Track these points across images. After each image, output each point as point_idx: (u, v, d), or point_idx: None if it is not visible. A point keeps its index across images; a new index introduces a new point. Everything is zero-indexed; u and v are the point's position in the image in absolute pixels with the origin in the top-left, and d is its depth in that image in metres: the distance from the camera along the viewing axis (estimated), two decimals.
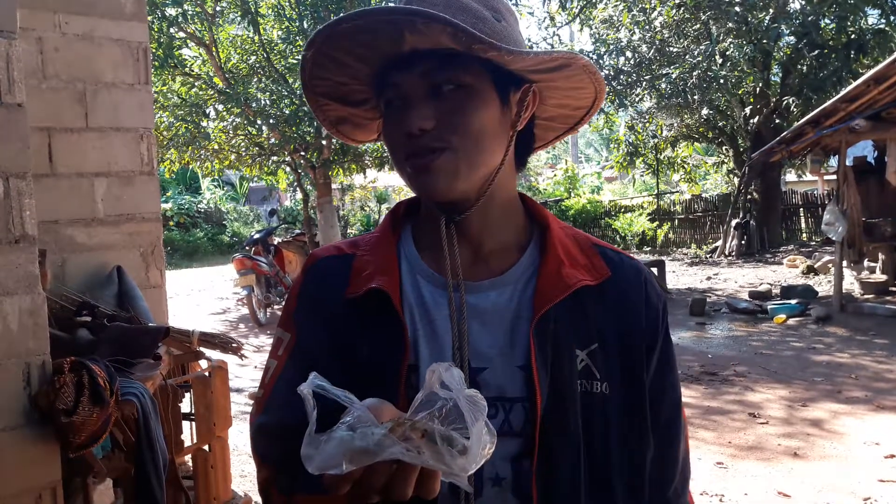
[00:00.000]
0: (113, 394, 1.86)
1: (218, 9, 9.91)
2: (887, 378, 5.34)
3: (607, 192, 22.64)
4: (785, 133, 9.07)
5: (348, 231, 18.18)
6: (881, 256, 8.78)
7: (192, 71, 10.21)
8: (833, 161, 9.83)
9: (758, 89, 12.90)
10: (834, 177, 9.78)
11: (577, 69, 0.84)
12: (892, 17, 11.17)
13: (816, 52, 11.40)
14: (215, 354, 2.98)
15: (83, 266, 2.78)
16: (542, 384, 0.80)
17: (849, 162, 8.18)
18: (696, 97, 11.78)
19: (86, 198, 2.79)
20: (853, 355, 6.07)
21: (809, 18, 11.05)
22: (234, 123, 10.21)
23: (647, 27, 12.12)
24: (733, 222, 13.50)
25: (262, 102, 9.50)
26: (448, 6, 0.79)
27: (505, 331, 0.84)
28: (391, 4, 0.80)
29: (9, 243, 1.74)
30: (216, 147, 10.62)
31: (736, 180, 14.49)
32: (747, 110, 13.43)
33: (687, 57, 11.66)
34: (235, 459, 3.57)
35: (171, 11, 9.05)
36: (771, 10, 11.24)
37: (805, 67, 12.09)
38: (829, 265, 9.57)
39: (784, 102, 12.38)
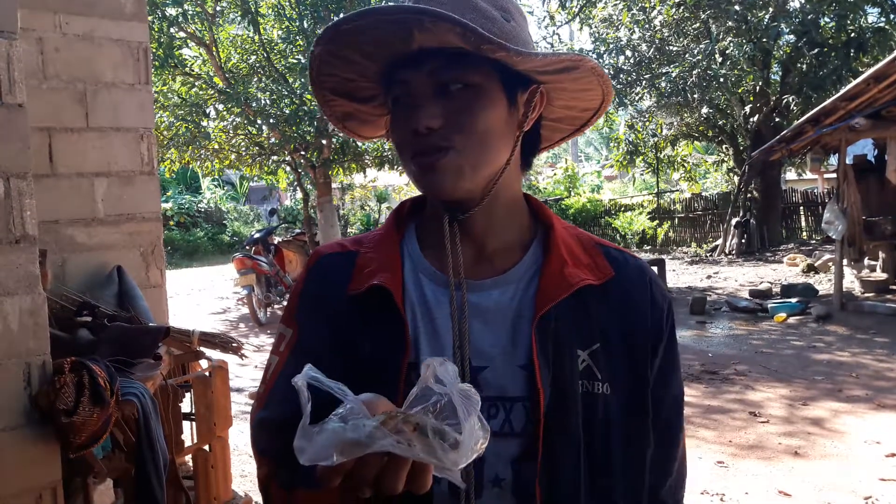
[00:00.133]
0: (113, 394, 1.86)
1: (218, 9, 9.90)
2: (888, 377, 5.34)
3: (607, 191, 22.65)
4: (785, 131, 9.06)
5: (348, 230, 18.18)
6: (881, 255, 8.78)
7: (193, 71, 10.20)
8: (833, 159, 9.84)
9: (758, 88, 12.89)
10: (834, 175, 9.78)
11: (585, 71, 0.84)
12: (891, 16, 11.17)
13: (816, 50, 11.40)
14: (216, 354, 2.98)
15: (83, 266, 2.78)
16: (544, 383, 0.80)
17: (849, 160, 8.18)
18: (695, 96, 11.77)
19: (86, 198, 2.79)
20: (854, 354, 6.07)
21: (809, 17, 11.04)
22: (235, 123, 10.21)
23: (647, 26, 12.11)
24: (733, 221, 13.49)
25: (263, 102, 9.50)
26: (457, 5, 0.78)
27: (507, 330, 0.84)
28: (399, 3, 0.80)
29: (9, 243, 1.74)
30: (216, 147, 10.61)
31: (736, 179, 14.48)
32: (747, 109, 13.43)
33: (687, 56, 11.65)
34: (236, 459, 3.57)
35: (171, 11, 9.05)
36: (771, 9, 11.23)
37: (805, 66, 12.08)
38: (830, 263, 9.57)
39: (784, 101, 12.37)
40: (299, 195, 13.35)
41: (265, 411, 0.85)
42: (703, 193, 17.43)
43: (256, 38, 9.78)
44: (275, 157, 11.08)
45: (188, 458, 2.98)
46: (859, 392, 4.96)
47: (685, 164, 16.67)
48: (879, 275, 8.64)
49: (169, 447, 2.29)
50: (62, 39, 2.73)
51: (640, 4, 12.25)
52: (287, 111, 9.19)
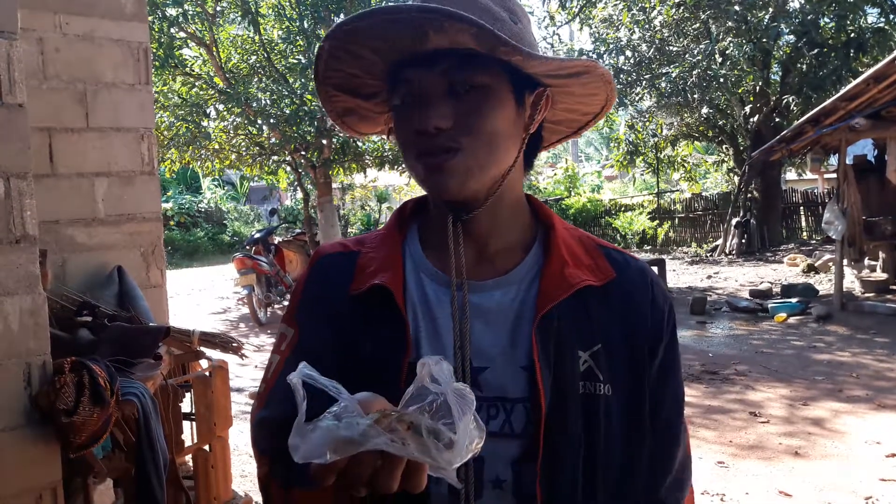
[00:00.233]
0: (113, 394, 1.86)
1: (218, 9, 9.91)
2: (888, 377, 5.34)
3: (607, 191, 22.64)
4: (785, 132, 9.06)
5: (349, 230, 18.18)
6: (881, 255, 8.78)
7: (193, 71, 10.21)
8: (833, 159, 9.83)
9: (758, 88, 12.89)
10: (834, 175, 9.78)
11: (595, 77, 0.85)
12: (891, 16, 11.17)
13: (816, 50, 11.40)
14: (216, 354, 2.98)
15: (84, 266, 2.78)
16: (545, 384, 0.80)
17: (849, 160, 8.18)
18: (695, 96, 11.78)
19: (86, 198, 2.79)
20: (854, 354, 6.07)
21: (809, 17, 11.04)
22: (235, 123, 10.21)
23: (647, 26, 12.11)
24: (734, 221, 13.50)
25: (263, 102, 9.50)
26: (467, 6, 0.79)
27: (508, 330, 0.84)
28: (410, 2, 0.79)
29: (9, 243, 1.74)
30: (217, 147, 10.62)
31: (736, 179, 14.48)
32: (747, 109, 13.43)
33: (687, 56, 11.66)
34: (236, 459, 3.57)
35: (171, 11, 9.05)
36: (770, 9, 11.23)
37: (805, 66, 12.08)
38: (830, 264, 9.57)
39: (784, 101, 12.38)
40: (300, 195, 13.35)
41: (265, 410, 0.86)
42: (704, 193, 17.43)
43: (257, 38, 9.78)
44: (275, 157, 11.08)
45: (188, 457, 2.98)
46: (860, 392, 4.96)
47: (685, 165, 16.67)
48: (880, 275, 8.64)
49: (169, 447, 2.29)
50: (62, 39, 2.73)
51: (640, 5, 12.25)
52: (287, 111, 9.19)
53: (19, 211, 1.75)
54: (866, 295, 8.25)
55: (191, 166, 12.26)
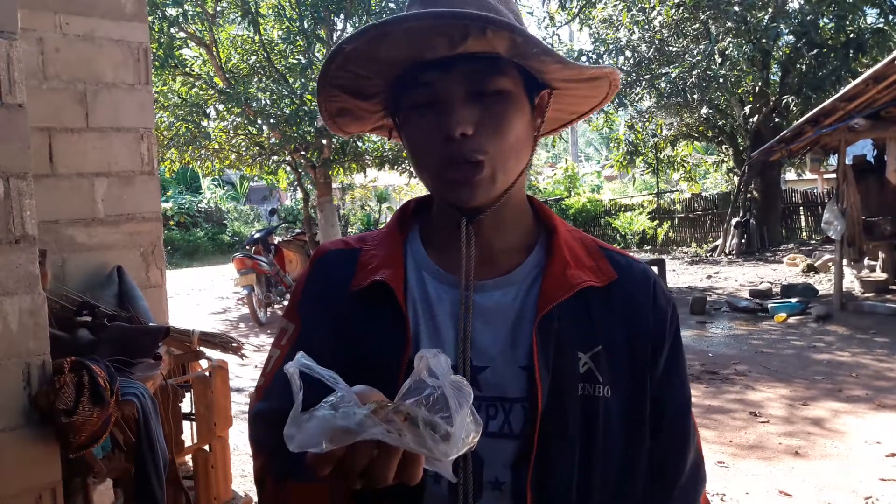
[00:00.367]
0: (113, 394, 1.86)
1: (218, 9, 9.91)
2: (888, 377, 5.34)
3: (607, 191, 22.65)
4: (784, 132, 9.07)
5: (349, 230, 18.18)
6: (881, 255, 8.78)
7: (193, 71, 10.21)
8: (833, 160, 9.84)
9: (757, 88, 12.90)
10: (834, 175, 9.79)
11: (605, 81, 0.86)
12: (890, 17, 11.17)
13: (815, 51, 11.40)
14: (216, 354, 2.98)
15: (83, 266, 2.78)
16: (543, 384, 0.80)
17: (848, 160, 8.18)
18: (695, 96, 11.78)
19: (86, 198, 2.79)
20: (854, 354, 6.07)
21: (808, 18, 11.05)
22: (235, 123, 10.21)
23: (647, 27, 12.12)
24: (733, 221, 13.50)
25: (263, 102, 9.50)
26: (481, 7, 0.79)
27: (508, 330, 0.84)
28: (430, 7, 0.77)
29: (9, 243, 1.74)
30: (216, 147, 10.62)
31: (736, 179, 14.49)
32: (747, 109, 13.43)
33: (686, 56, 11.66)
34: (236, 459, 3.57)
35: (171, 12, 9.05)
36: (770, 10, 11.23)
37: (804, 66, 12.08)
38: (830, 264, 9.57)
39: (783, 101, 12.38)
40: (299, 195, 13.35)
41: (264, 403, 0.86)
42: (703, 193, 17.44)
43: (257, 38, 9.78)
44: (275, 157, 11.08)
45: (188, 458, 2.98)
46: (859, 392, 4.96)
47: (685, 165, 16.68)
48: (879, 275, 8.65)
49: (169, 447, 2.29)
50: (62, 40, 2.73)
51: (639, 5, 12.26)
52: (287, 111, 9.19)
53: (19, 211, 1.75)
54: (866, 295, 8.25)
55: (191, 166, 12.26)
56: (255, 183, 21.46)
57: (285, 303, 9.00)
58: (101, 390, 1.81)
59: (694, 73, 11.21)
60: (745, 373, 5.58)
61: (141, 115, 2.96)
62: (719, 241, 14.12)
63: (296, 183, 12.77)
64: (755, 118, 13.18)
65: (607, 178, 26.06)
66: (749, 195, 13.82)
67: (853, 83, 7.40)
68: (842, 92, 7.71)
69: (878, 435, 4.10)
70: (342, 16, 9.91)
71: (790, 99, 12.16)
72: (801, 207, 15.09)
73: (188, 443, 2.92)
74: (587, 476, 0.81)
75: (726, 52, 11.38)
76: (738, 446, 4.04)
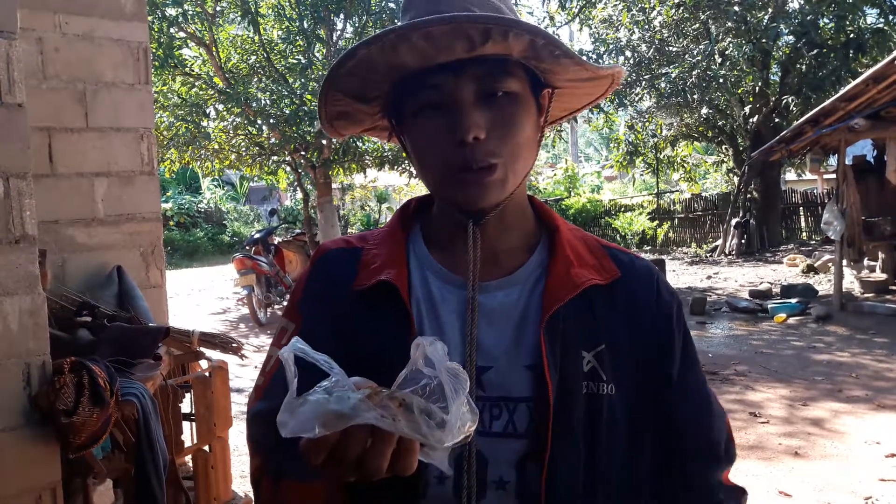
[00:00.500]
0: (113, 394, 1.86)
1: (218, 9, 9.90)
2: (887, 377, 5.34)
3: (607, 192, 22.66)
4: (784, 132, 9.07)
5: (349, 230, 18.18)
6: (881, 255, 8.78)
7: (193, 71, 10.20)
8: (832, 160, 9.84)
9: (757, 88, 12.90)
10: (833, 176, 9.79)
11: (607, 80, 0.87)
12: (890, 17, 11.18)
13: (815, 51, 11.41)
14: (215, 354, 2.98)
15: (83, 266, 2.78)
16: (553, 383, 0.80)
17: (848, 161, 8.18)
18: (695, 96, 11.78)
19: (86, 198, 2.79)
20: (853, 354, 6.07)
21: (808, 18, 11.05)
22: (235, 123, 10.20)
23: (647, 27, 12.12)
24: (733, 221, 13.51)
25: (263, 102, 9.50)
26: (485, 7, 0.79)
27: (511, 330, 0.84)
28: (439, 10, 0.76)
29: (9, 243, 1.74)
30: (216, 147, 10.61)
31: (736, 179, 14.49)
32: (747, 109, 13.44)
33: (686, 56, 11.66)
34: (236, 460, 3.57)
35: (171, 11, 9.05)
36: (770, 10, 11.24)
37: (804, 66, 12.09)
38: (829, 264, 9.57)
39: (783, 101, 12.39)
40: (299, 195, 13.35)
41: (263, 402, 0.85)
42: (703, 194, 17.46)
43: (256, 38, 9.78)
44: (275, 158, 11.08)
45: (188, 458, 2.98)
46: (859, 392, 4.96)
47: (685, 165, 16.69)
48: (879, 275, 8.65)
49: (169, 447, 2.29)
50: (62, 39, 2.73)
51: (639, 5, 12.26)
52: (287, 111, 9.19)
53: (19, 211, 1.75)
54: (866, 295, 8.25)
55: (190, 166, 12.26)
56: (255, 183, 21.45)
57: (285, 303, 8.98)
58: (101, 391, 1.81)
59: (694, 73, 11.22)
60: (745, 373, 5.58)
61: (141, 115, 2.96)
62: (719, 242, 14.13)
63: (296, 183, 12.77)
64: (755, 118, 13.18)
65: (607, 178, 26.07)
66: (749, 195, 13.83)
67: (853, 83, 7.40)
68: (842, 92, 7.71)
69: (877, 435, 4.10)
70: (342, 16, 9.91)
71: (790, 99, 12.16)
72: (801, 208, 15.10)
73: (188, 443, 2.92)
74: (592, 473, 0.81)
75: (726, 53, 11.39)
76: (737, 446, 3.99)
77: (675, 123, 14.47)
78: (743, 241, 13.34)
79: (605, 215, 16.83)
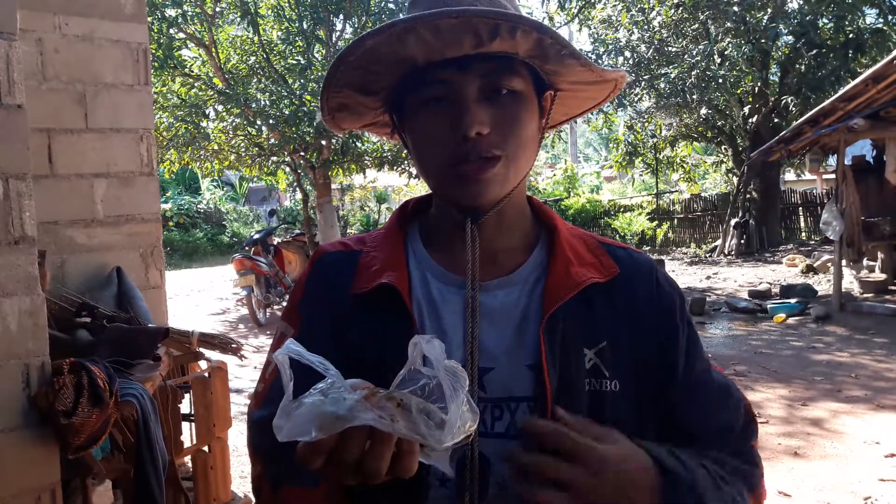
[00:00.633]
0: (112, 395, 1.86)
1: (217, 10, 9.91)
2: (887, 377, 5.34)
3: (606, 192, 22.67)
4: (784, 132, 9.07)
5: (348, 231, 18.18)
6: (880, 255, 8.79)
7: (192, 72, 10.21)
8: (832, 160, 9.85)
9: (756, 89, 12.91)
10: (833, 176, 9.79)
11: (611, 85, 0.87)
12: (889, 17, 11.19)
13: (815, 51, 11.42)
14: (215, 355, 2.98)
15: (83, 267, 2.78)
16: (552, 383, 0.80)
17: (847, 161, 8.19)
18: (694, 97, 11.79)
19: (85, 199, 2.79)
20: (853, 354, 6.08)
21: (808, 18, 11.06)
22: (234, 124, 10.21)
23: (646, 27, 12.13)
24: (732, 221, 13.51)
25: (262, 103, 9.50)
26: (492, 3, 0.79)
27: (512, 330, 0.84)
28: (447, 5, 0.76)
29: (8, 244, 1.74)
30: (216, 147, 10.62)
31: (735, 179, 14.50)
32: (746, 109, 13.44)
33: (685, 56, 11.68)
34: (235, 460, 3.57)
35: (170, 12, 9.05)
36: (769, 10, 11.24)
37: (803, 67, 12.10)
38: (829, 264, 9.58)
39: (783, 102, 12.39)
40: (299, 196, 13.36)
41: (263, 409, 0.85)
42: (703, 194, 17.47)
43: (256, 39, 9.78)
44: (274, 158, 11.08)
45: (187, 459, 2.98)
46: (858, 392, 4.96)
47: (684, 165, 16.69)
48: (878, 275, 8.65)
49: (168, 448, 2.29)
50: (62, 40, 2.73)
51: (638, 5, 12.27)
52: (287, 112, 9.19)
53: (18, 212, 1.75)
54: (865, 295, 8.26)
55: (190, 167, 12.26)
56: (255, 184, 21.47)
57: (284, 303, 8.99)
58: (101, 391, 1.81)
59: (693, 73, 11.23)
60: (745, 373, 5.58)
61: (140, 116, 2.96)
62: (718, 242, 14.13)
63: (295, 184, 12.77)
64: (754, 118, 13.19)
65: (606, 178, 26.08)
66: (748, 196, 13.83)
67: (852, 83, 7.41)
68: (841, 92, 7.72)
69: (877, 435, 4.10)
70: (341, 16, 9.92)
71: (789, 99, 12.17)
72: (801, 208, 15.11)
73: (187, 444, 2.92)
74: None
75: (725, 53, 11.39)
76: None
77: (674, 124, 14.48)
78: (742, 241, 13.35)
79: (604, 216, 16.84)
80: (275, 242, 9.68)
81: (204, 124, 10.24)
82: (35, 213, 1.80)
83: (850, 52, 10.93)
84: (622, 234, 15.70)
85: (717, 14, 11.29)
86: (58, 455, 1.85)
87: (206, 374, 2.88)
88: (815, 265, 10.28)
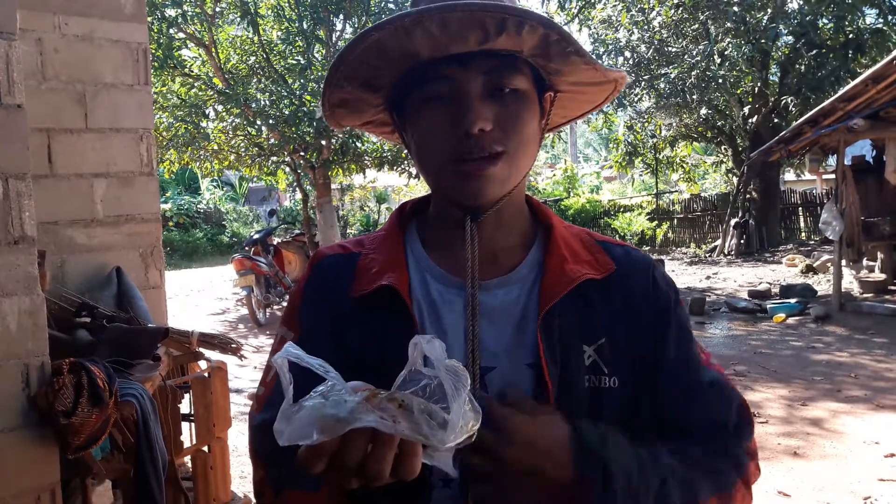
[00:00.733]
0: (112, 395, 1.86)
1: (217, 10, 9.91)
2: (886, 377, 5.34)
3: (606, 192, 22.67)
4: (783, 132, 9.08)
5: (348, 231, 18.18)
6: (880, 255, 8.79)
7: (192, 71, 10.21)
8: (831, 160, 9.85)
9: (756, 89, 12.91)
10: (832, 176, 9.79)
11: (610, 86, 0.88)
12: (889, 17, 11.19)
13: (814, 51, 11.42)
14: (215, 355, 2.98)
15: (82, 267, 2.78)
16: (552, 380, 0.80)
17: (847, 161, 8.19)
18: (694, 97, 11.79)
19: (85, 198, 2.79)
20: (852, 354, 6.08)
21: (807, 18, 11.06)
22: (234, 124, 10.21)
23: (646, 27, 12.14)
24: (732, 221, 13.52)
25: (262, 103, 9.50)
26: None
27: (512, 329, 0.84)
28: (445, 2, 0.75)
29: (8, 244, 1.74)
30: (215, 147, 10.62)
31: (735, 179, 14.50)
32: (746, 110, 13.44)
33: (685, 57, 11.68)
34: (235, 460, 3.57)
35: (170, 12, 9.06)
36: (769, 10, 11.25)
37: (803, 67, 12.10)
38: (829, 264, 9.58)
39: (782, 102, 12.39)
40: (299, 196, 13.36)
41: (264, 414, 0.85)
42: (702, 194, 17.47)
43: (256, 39, 9.78)
44: (274, 158, 11.08)
45: (187, 459, 2.98)
46: (858, 392, 4.96)
47: (684, 165, 16.70)
48: (878, 275, 8.66)
49: (168, 448, 2.29)
50: (61, 40, 2.73)
51: (638, 6, 12.27)
52: (286, 112, 9.19)
53: (18, 212, 1.75)
54: (865, 295, 8.26)
55: (189, 167, 12.27)
56: (255, 184, 21.46)
57: (284, 304, 9.00)
58: (100, 391, 1.81)
59: (693, 73, 11.23)
60: (744, 373, 5.58)
61: (140, 116, 2.96)
62: (718, 242, 14.13)
63: (295, 184, 12.77)
64: (754, 119, 13.19)
65: (606, 178, 26.08)
66: (748, 196, 13.84)
67: (852, 83, 7.41)
68: (841, 92, 7.72)
69: (876, 435, 4.10)
70: (341, 16, 9.92)
71: (789, 99, 12.17)
72: (800, 208, 15.12)
73: (187, 444, 2.92)
74: None
75: (725, 53, 11.39)
76: None
77: (674, 124, 14.48)
78: (742, 241, 13.35)
79: (604, 216, 16.85)
80: (274, 242, 9.68)
81: (204, 124, 10.24)
82: (35, 212, 1.80)
83: (850, 52, 10.93)
84: (622, 234, 15.70)
85: (716, 14, 11.29)
86: (57, 455, 1.85)
87: (206, 374, 2.88)
88: (814, 265, 10.29)
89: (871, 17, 12.02)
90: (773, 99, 12.92)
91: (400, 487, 0.66)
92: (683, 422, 0.84)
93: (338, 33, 10.22)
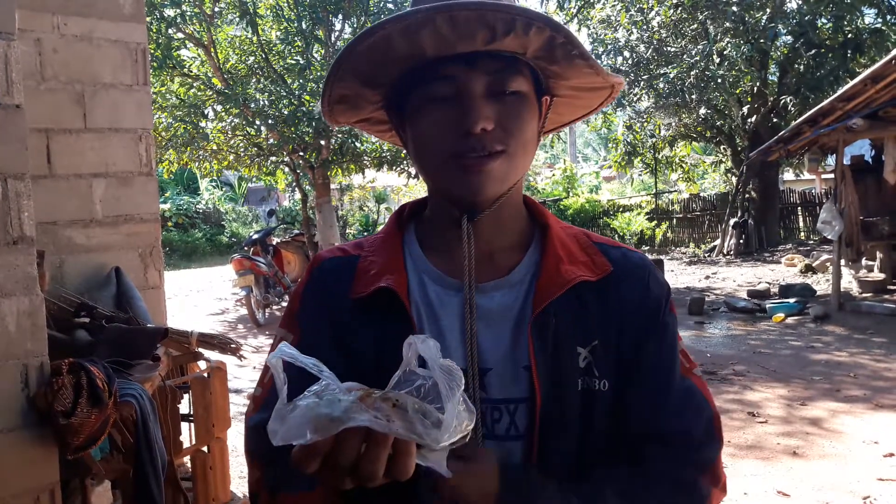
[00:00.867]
0: (111, 395, 1.86)
1: (216, 10, 9.90)
2: (886, 377, 5.34)
3: (605, 192, 22.68)
4: (782, 132, 9.08)
5: (347, 231, 18.18)
6: (879, 255, 8.80)
7: (191, 72, 10.20)
8: (830, 160, 9.86)
9: (755, 88, 12.92)
10: (831, 175, 9.80)
11: (606, 91, 0.88)
12: (888, 17, 11.20)
13: (813, 51, 11.43)
14: (214, 355, 2.98)
15: (81, 267, 2.77)
16: (542, 382, 0.80)
17: (846, 161, 8.19)
18: (693, 96, 11.80)
19: (84, 199, 2.79)
20: (852, 354, 6.08)
21: (806, 18, 11.07)
22: (233, 124, 10.20)
23: (645, 27, 12.14)
24: (731, 221, 13.53)
25: (261, 103, 9.50)
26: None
27: (509, 331, 0.84)
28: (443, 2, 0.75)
29: (7, 244, 1.74)
30: (215, 147, 10.61)
31: (734, 179, 14.51)
32: (745, 109, 13.45)
33: (685, 56, 11.68)
34: (234, 461, 3.56)
35: (169, 12, 9.05)
36: (768, 10, 11.25)
37: (802, 67, 12.11)
38: (828, 264, 9.58)
39: (781, 101, 12.40)
40: (298, 196, 13.35)
41: (260, 414, 0.85)
42: (702, 194, 17.48)
43: (255, 39, 9.78)
44: (273, 158, 11.08)
45: (186, 459, 2.98)
46: (857, 392, 4.96)
47: (683, 165, 16.71)
48: (877, 275, 8.66)
49: (167, 448, 2.29)
50: (60, 40, 2.72)
51: (638, 5, 12.27)
52: (286, 112, 9.19)
53: (17, 212, 1.75)
54: (864, 295, 8.26)
55: (189, 167, 12.25)
56: (254, 184, 21.45)
57: (283, 304, 9.00)
58: (100, 392, 1.81)
59: (692, 73, 11.23)
60: (744, 373, 5.58)
61: (139, 116, 2.96)
62: (717, 242, 14.14)
63: (294, 184, 12.75)
64: (753, 118, 13.20)
65: (605, 178, 26.09)
66: (747, 195, 13.85)
67: (851, 83, 7.41)
68: (840, 92, 7.72)
69: (875, 435, 4.10)
70: (340, 16, 9.91)
71: (788, 99, 12.18)
72: (800, 207, 15.12)
73: (186, 444, 2.92)
74: (580, 463, 0.82)
75: (724, 53, 11.40)
76: (736, 446, 4.04)
77: (673, 123, 14.48)
78: (741, 240, 13.36)
79: (603, 215, 16.85)
80: (274, 242, 9.68)
81: (203, 124, 10.24)
82: (34, 213, 1.80)
83: (849, 51, 10.95)
84: (621, 234, 15.71)
85: (715, 14, 11.29)
86: (57, 455, 1.85)
87: (206, 375, 2.88)
88: (813, 265, 10.29)
89: (869, 16, 12.03)
90: (772, 98, 12.93)
91: (395, 489, 0.66)
92: (648, 426, 0.82)
93: (337, 33, 10.21)
